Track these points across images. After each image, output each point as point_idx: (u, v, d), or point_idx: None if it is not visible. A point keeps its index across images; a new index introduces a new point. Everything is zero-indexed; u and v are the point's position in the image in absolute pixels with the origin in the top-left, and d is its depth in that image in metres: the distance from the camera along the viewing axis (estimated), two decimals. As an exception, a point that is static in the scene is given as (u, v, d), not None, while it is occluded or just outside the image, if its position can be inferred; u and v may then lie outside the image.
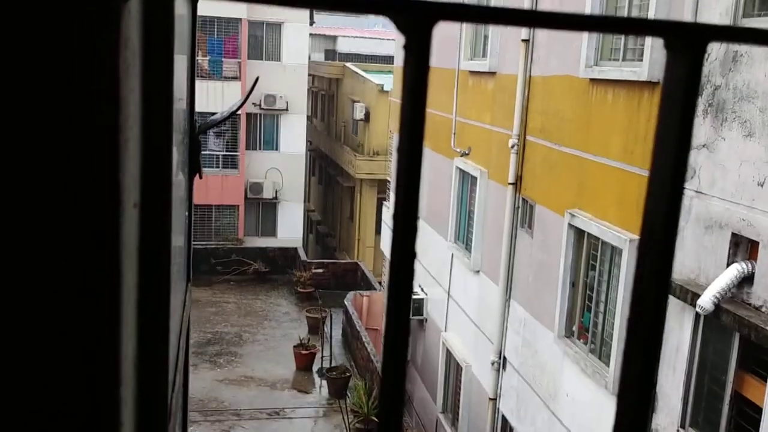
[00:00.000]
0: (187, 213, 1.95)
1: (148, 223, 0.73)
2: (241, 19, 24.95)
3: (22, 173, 0.50)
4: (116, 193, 0.52)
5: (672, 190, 0.42)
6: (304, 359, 17.57)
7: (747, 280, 5.93)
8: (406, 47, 0.34)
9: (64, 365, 0.53)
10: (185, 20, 1.70)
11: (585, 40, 8.43)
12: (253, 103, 25.65)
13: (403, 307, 0.37)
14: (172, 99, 0.84)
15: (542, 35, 9.76)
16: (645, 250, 0.42)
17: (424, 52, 0.34)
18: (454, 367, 12.91)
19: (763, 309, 5.77)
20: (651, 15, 7.20)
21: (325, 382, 16.72)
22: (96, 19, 0.48)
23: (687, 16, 6.63)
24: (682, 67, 0.41)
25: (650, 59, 7.17)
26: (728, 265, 6.07)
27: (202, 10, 24.88)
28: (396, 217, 0.36)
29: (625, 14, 7.96)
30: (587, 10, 8.40)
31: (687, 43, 0.41)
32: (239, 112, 24.96)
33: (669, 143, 0.41)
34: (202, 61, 24.99)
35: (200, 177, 1.97)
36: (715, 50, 6.30)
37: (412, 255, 0.36)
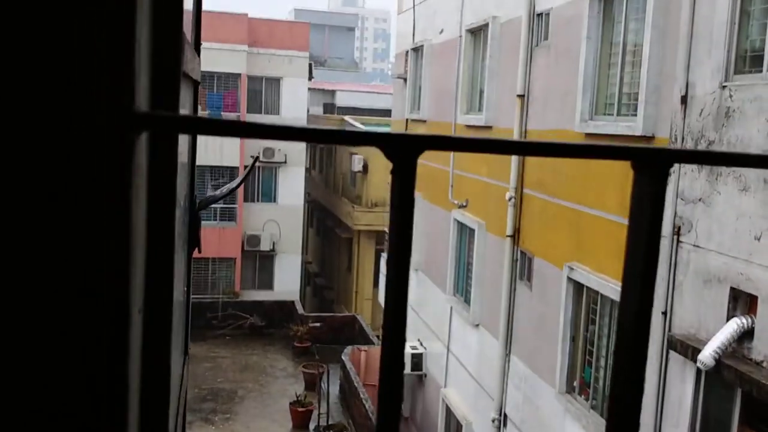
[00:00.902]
0: (185, 288, 1.95)
1: (150, 327, 0.76)
2: (240, 74, 25.38)
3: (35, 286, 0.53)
4: (126, 306, 0.55)
5: (640, 308, 0.44)
6: (301, 417, 17.27)
7: (747, 334, 5.88)
8: (392, 172, 0.35)
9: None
10: (188, 103, 1.74)
11: (580, 95, 8.57)
12: (252, 156, 25.82)
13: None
14: (174, 212, 0.89)
15: (538, 90, 9.93)
16: (620, 355, 0.43)
17: (409, 177, 0.35)
18: (454, 425, 12.68)
19: (764, 364, 5.70)
20: (644, 72, 7.33)
21: (322, 439, 16.39)
22: (111, 151, 0.52)
23: (679, 73, 6.75)
24: (648, 186, 0.45)
25: (644, 114, 7.27)
26: (728, 319, 6.03)
27: (203, 65, 25.41)
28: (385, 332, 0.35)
29: (618, 73, 8.11)
30: (581, 70, 8.55)
31: (652, 165, 0.45)
32: (238, 165, 25.16)
33: (637, 258, 0.44)
34: (202, 115, 25.29)
35: (199, 251, 1.99)
36: (708, 105, 6.39)
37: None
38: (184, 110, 1.71)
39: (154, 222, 0.80)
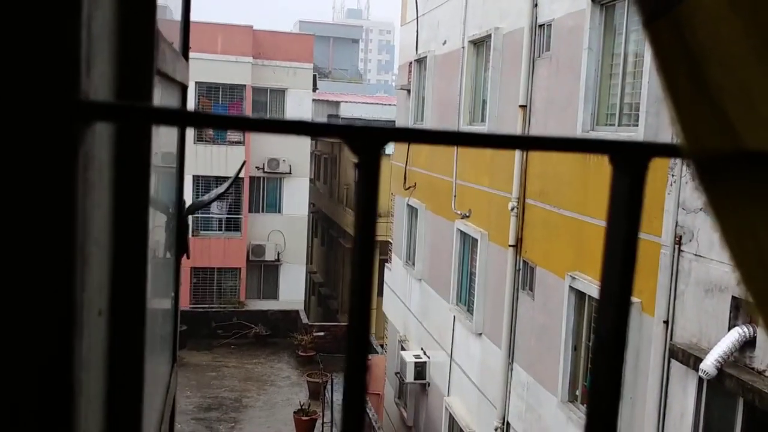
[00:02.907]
0: (173, 293, 1.97)
1: (120, 328, 0.76)
2: (245, 85, 25.48)
3: None
4: (70, 309, 0.52)
5: (619, 303, 0.45)
6: (305, 425, 17.24)
7: (749, 343, 5.89)
8: (357, 166, 0.38)
9: None
10: (173, 105, 1.76)
11: (581, 105, 8.61)
12: (257, 167, 25.94)
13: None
14: (147, 210, 0.87)
15: (540, 101, 9.98)
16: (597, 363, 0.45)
17: (374, 170, 0.38)
18: (457, 433, 12.66)
19: (767, 373, 5.71)
20: (645, 82, 7.37)
21: (326, 449, 16.36)
22: (52, 141, 0.49)
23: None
24: (626, 181, 0.44)
25: (646, 124, 7.31)
26: (730, 328, 6.04)
27: (207, 76, 25.24)
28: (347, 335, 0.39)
29: (619, 83, 8.16)
30: (582, 80, 8.60)
31: (630, 158, 0.45)
32: (243, 176, 25.22)
33: (616, 253, 0.44)
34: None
35: (187, 257, 2.00)
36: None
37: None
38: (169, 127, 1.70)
39: (122, 222, 0.77)
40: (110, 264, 0.75)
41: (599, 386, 0.46)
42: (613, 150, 0.45)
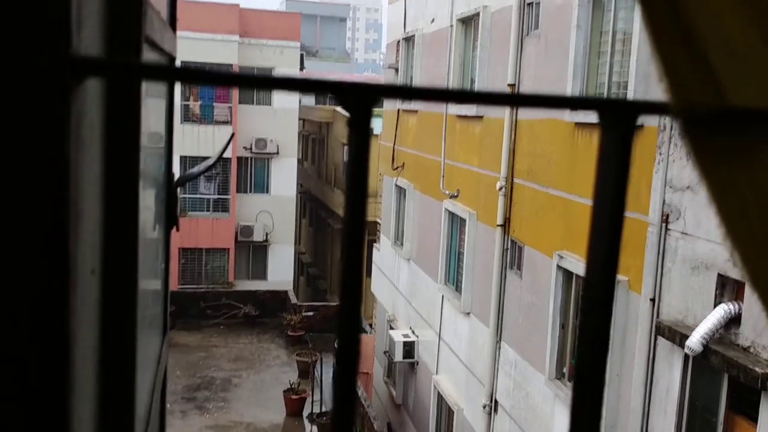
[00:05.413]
0: (164, 265, 1.96)
1: (111, 288, 0.76)
2: (232, 65, 25.28)
3: None
4: (64, 260, 0.53)
5: (606, 273, 0.45)
6: (295, 404, 17.34)
7: (734, 320, 5.96)
8: (349, 123, 0.38)
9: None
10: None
11: (570, 83, 8.60)
12: (244, 147, 25.82)
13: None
14: (137, 168, 0.87)
15: (528, 80, 9.95)
16: (584, 337, 0.45)
17: (365, 127, 0.37)
18: (445, 411, 12.78)
19: (751, 350, 5.78)
20: (633, 61, 7.37)
21: (315, 428, 16.47)
22: (44, 100, 0.50)
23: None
24: (615, 139, 0.44)
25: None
26: (715, 305, 6.11)
27: (194, 56, 25.00)
28: (341, 288, 0.39)
29: (608, 61, 8.16)
30: (570, 58, 8.59)
31: (620, 116, 0.44)
32: (230, 156, 25.10)
33: (603, 211, 0.44)
34: (194, 105, 25.22)
35: (177, 230, 2.00)
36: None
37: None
38: (158, 82, 1.70)
39: (113, 181, 0.78)
40: (102, 223, 0.75)
41: (585, 356, 0.46)
42: (603, 107, 0.45)
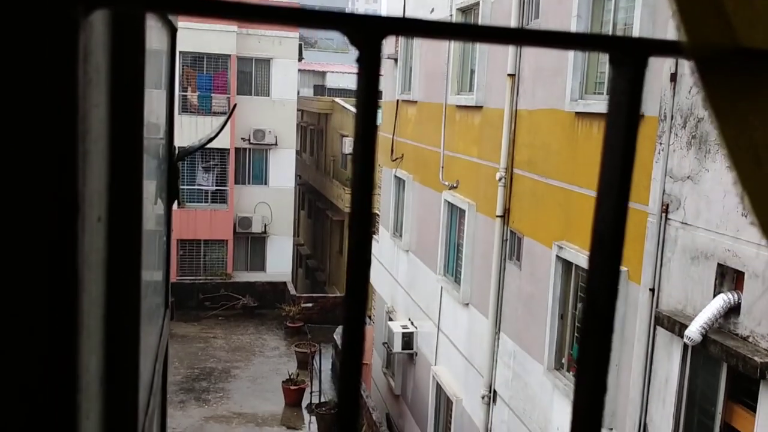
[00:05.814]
0: (165, 238, 1.95)
1: (117, 237, 0.74)
2: (230, 55, 25.20)
3: None
4: (74, 203, 0.53)
5: (617, 205, 0.44)
6: (294, 395, 17.37)
7: (734, 310, 5.95)
8: (358, 60, 0.36)
9: (17, 375, 0.53)
10: (164, 51, 1.73)
11: (570, 74, 8.57)
12: (242, 138, 25.77)
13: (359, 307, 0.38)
14: (142, 115, 0.86)
15: (528, 70, 9.92)
16: (595, 259, 0.44)
17: (374, 63, 0.35)
18: (444, 402, 12.80)
19: (750, 339, 5.78)
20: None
21: (314, 418, 16.51)
22: (52, 32, 0.49)
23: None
24: (625, 80, 0.43)
25: (633, 93, 7.27)
26: (715, 295, 6.10)
27: (192, 46, 24.95)
28: (351, 222, 0.37)
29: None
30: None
31: (629, 56, 0.43)
32: (228, 147, 25.04)
33: (615, 157, 0.43)
34: (192, 96, 25.15)
35: (179, 205, 1.99)
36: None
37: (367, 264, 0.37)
38: (162, 53, 1.69)
39: (119, 123, 0.77)
40: (108, 170, 0.74)
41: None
42: (613, 46, 0.44)
